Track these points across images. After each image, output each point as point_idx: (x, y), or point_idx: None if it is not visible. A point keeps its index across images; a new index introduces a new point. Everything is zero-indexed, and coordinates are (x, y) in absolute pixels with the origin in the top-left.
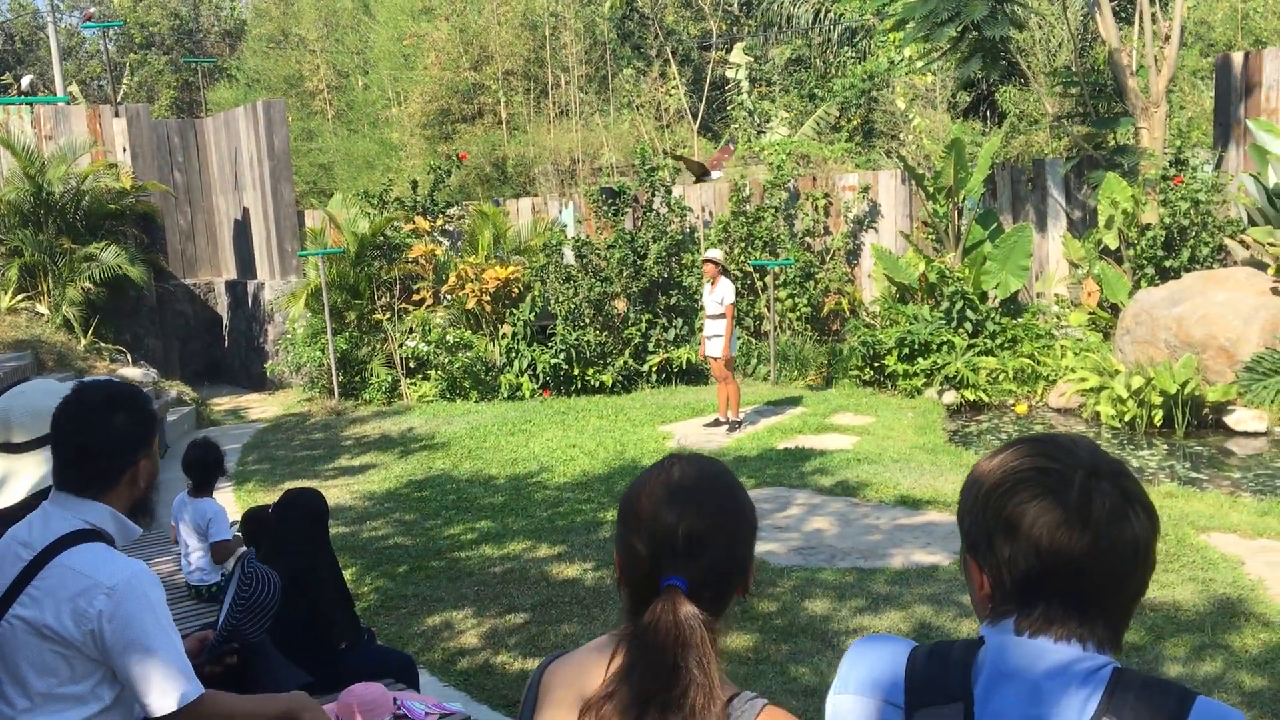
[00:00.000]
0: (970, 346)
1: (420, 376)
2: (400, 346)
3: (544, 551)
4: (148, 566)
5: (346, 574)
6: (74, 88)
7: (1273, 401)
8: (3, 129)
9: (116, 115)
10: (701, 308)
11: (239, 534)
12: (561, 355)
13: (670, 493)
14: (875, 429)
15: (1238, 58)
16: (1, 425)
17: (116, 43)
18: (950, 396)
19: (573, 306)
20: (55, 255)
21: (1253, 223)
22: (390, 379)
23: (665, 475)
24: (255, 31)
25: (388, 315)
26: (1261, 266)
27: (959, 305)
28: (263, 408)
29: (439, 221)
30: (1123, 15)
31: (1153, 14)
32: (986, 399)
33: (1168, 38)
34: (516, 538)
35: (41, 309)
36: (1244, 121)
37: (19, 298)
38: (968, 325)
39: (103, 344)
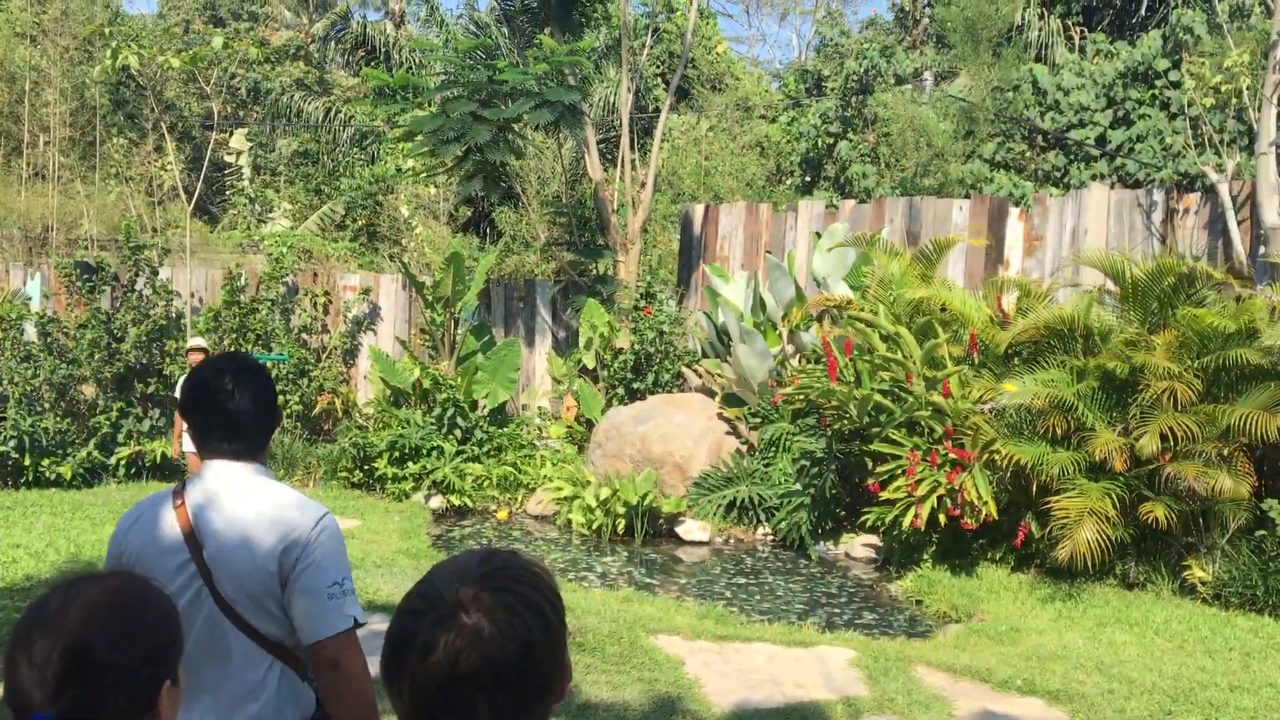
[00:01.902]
0: (459, 453)
1: None
2: None
3: None
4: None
5: None
6: None
7: (715, 514)
8: None
9: None
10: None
11: None
12: (12, 443)
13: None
14: (361, 532)
15: (699, 209)
16: None
17: None
18: (437, 501)
19: (31, 389)
20: None
21: (705, 354)
22: None
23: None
24: None
25: None
26: (711, 393)
27: (451, 412)
28: None
29: None
30: (608, 157)
31: (633, 160)
32: (471, 504)
33: (644, 184)
34: None
35: None
36: (701, 265)
37: None
38: (458, 432)
39: None
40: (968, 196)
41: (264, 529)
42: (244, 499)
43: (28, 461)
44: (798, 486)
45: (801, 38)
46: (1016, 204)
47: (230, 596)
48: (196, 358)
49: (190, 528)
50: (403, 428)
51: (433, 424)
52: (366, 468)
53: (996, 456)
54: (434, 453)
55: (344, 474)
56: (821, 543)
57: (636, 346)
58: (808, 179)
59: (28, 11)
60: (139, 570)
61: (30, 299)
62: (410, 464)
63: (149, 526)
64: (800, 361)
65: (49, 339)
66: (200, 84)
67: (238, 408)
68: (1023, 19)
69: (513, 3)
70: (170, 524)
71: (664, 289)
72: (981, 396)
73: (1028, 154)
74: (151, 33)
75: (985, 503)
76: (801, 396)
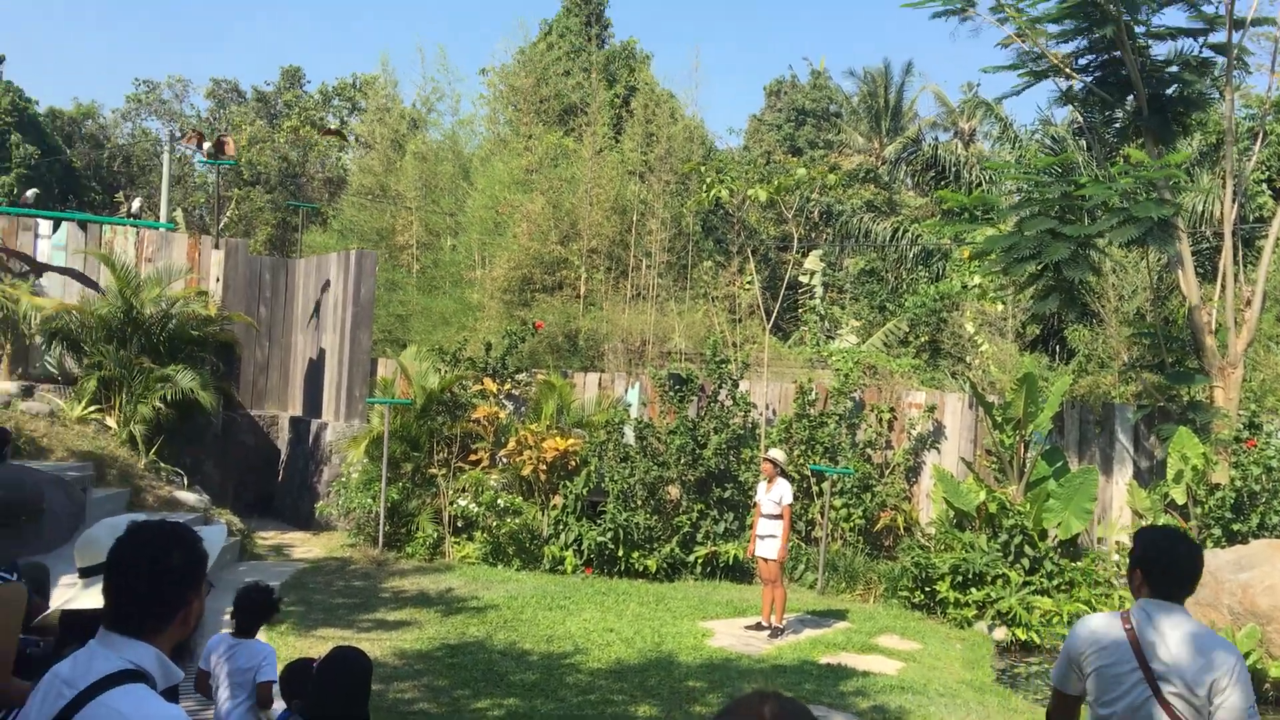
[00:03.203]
0: (1026, 584)
1: (465, 536)
2: (450, 504)
3: None
4: (185, 714)
5: None
6: (178, 214)
7: None
8: (108, 247)
9: (216, 246)
10: (755, 505)
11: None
12: (609, 534)
13: None
14: (922, 656)
15: None
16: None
17: (225, 177)
18: (1001, 633)
19: (626, 486)
20: (133, 372)
21: None
22: (436, 535)
23: (756, 714)
24: (356, 183)
25: (443, 471)
26: None
27: (1018, 540)
28: (306, 547)
29: (506, 385)
30: (1202, 273)
31: (1235, 274)
32: (1038, 640)
33: (1248, 301)
34: None
35: (110, 422)
36: None
37: (91, 409)
38: (1025, 561)
39: (162, 464)
40: None
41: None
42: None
43: (621, 552)
44: None
45: None
46: None
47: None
48: (769, 469)
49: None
50: (966, 552)
51: (998, 550)
52: (927, 589)
53: None
54: (998, 581)
55: (904, 593)
56: None
57: (1238, 483)
58: None
59: (636, 152)
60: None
61: (630, 406)
62: (973, 590)
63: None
64: None
65: (644, 442)
66: (780, 209)
67: None
68: None
69: (1095, 114)
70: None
71: (1271, 419)
72: None
73: None
74: (739, 165)
75: None
76: None
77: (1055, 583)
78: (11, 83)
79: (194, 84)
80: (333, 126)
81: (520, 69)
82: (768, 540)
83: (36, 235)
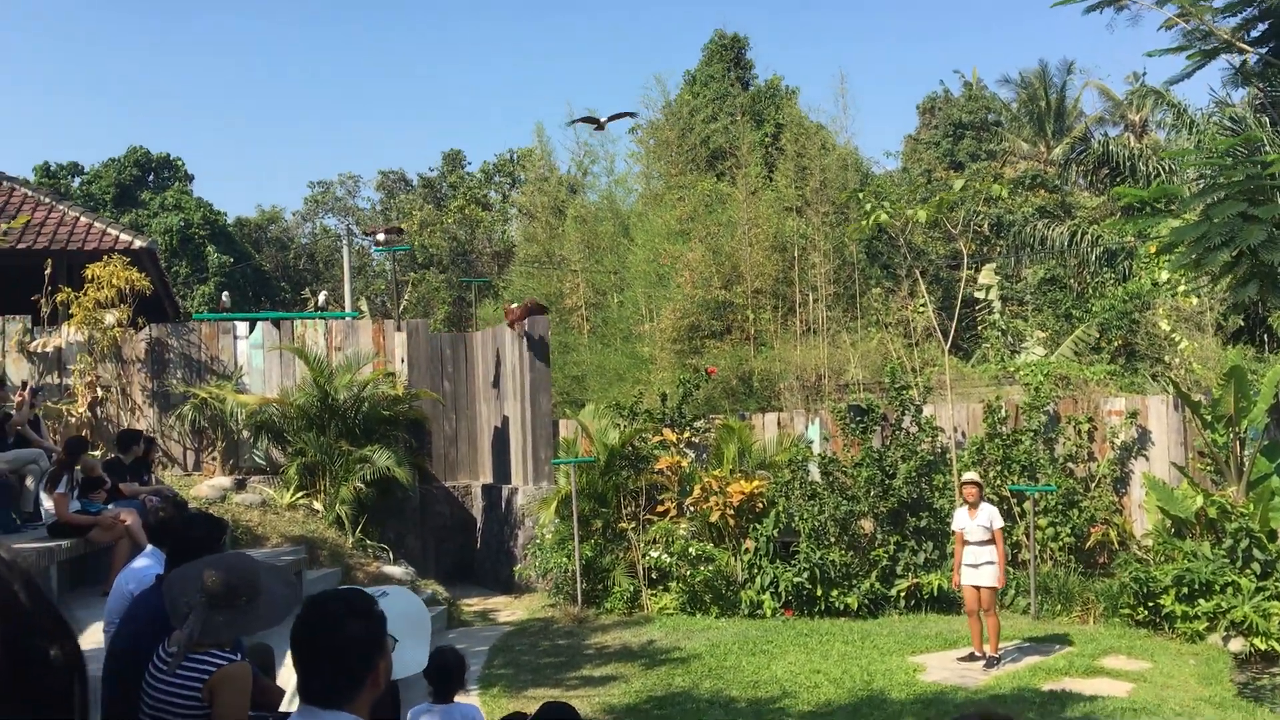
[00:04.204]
0: (1259, 590)
1: (661, 587)
2: (643, 556)
3: None
4: None
5: None
6: (362, 303)
7: None
8: (300, 340)
9: (398, 329)
10: (956, 534)
11: None
12: (805, 574)
13: None
14: (1153, 675)
15: None
16: None
17: (401, 263)
18: (1237, 644)
19: (817, 524)
20: (334, 456)
21: None
22: (632, 588)
23: None
24: (523, 253)
25: (632, 524)
26: None
27: (1244, 544)
28: (510, 610)
29: (686, 434)
30: None
31: None
32: None
33: None
34: None
35: (317, 505)
36: None
37: (299, 495)
38: (1255, 566)
39: (368, 541)
40: None
41: None
42: None
43: (819, 591)
44: None
45: None
46: None
47: None
48: (973, 493)
49: None
50: (1189, 561)
51: (1224, 557)
52: (1151, 605)
53: None
54: (1228, 589)
55: (1125, 611)
56: None
57: None
58: None
59: (790, 188)
60: None
61: (812, 442)
62: (1201, 601)
63: None
64: None
65: (830, 478)
66: (945, 227)
67: None
68: None
69: (1278, 87)
70: None
71: None
72: None
73: None
74: (898, 187)
75: None
76: None
77: None
78: (201, 199)
79: (364, 178)
80: (398, 225)
81: (666, 123)
82: (984, 568)
83: (235, 337)
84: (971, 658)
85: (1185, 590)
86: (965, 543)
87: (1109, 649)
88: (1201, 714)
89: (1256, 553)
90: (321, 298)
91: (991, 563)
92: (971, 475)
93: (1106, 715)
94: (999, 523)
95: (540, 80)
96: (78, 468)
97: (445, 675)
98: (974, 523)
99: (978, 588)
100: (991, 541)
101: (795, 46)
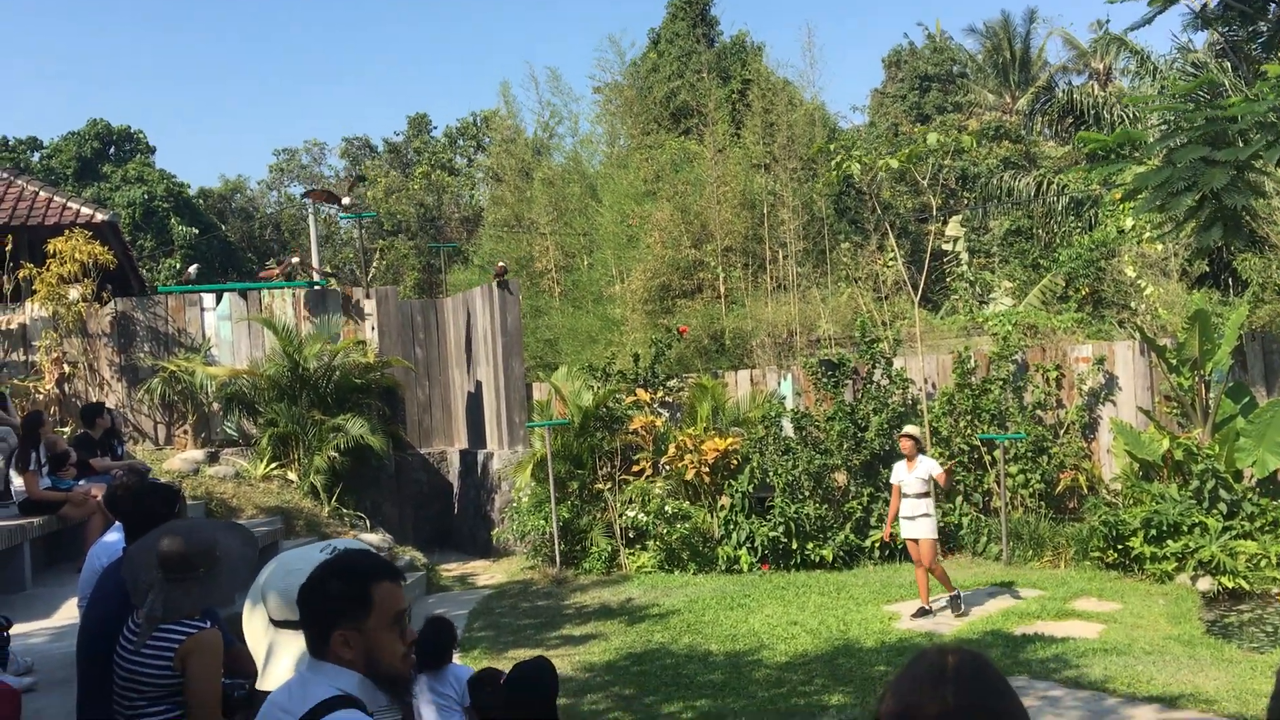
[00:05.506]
0: (1226, 529)
1: (639, 546)
2: (620, 516)
3: None
4: None
5: None
6: (329, 270)
7: None
8: (268, 310)
9: (367, 296)
10: (893, 486)
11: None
12: (780, 528)
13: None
14: (1122, 616)
15: None
16: (274, 602)
17: (368, 230)
18: (1205, 583)
19: (791, 479)
20: (306, 426)
21: None
22: (610, 548)
23: (939, 666)
24: (492, 218)
25: (608, 485)
26: None
27: (1211, 484)
28: (489, 574)
29: (659, 394)
30: None
31: None
32: (1247, 587)
33: None
34: None
35: (291, 476)
36: None
37: (272, 466)
38: (1221, 506)
39: (345, 510)
40: None
41: None
42: None
43: (794, 545)
44: None
45: None
46: None
47: None
48: (909, 446)
49: None
50: (1156, 503)
51: (1191, 498)
52: (1120, 547)
53: None
54: (1196, 530)
55: (1095, 554)
56: None
57: None
58: None
59: (758, 145)
60: None
61: (785, 398)
62: (1169, 542)
63: None
64: None
65: (803, 433)
66: (913, 180)
67: None
68: None
69: (1237, 30)
70: None
71: None
72: None
73: None
74: (865, 141)
75: None
76: None
77: (1258, 524)
78: (164, 170)
79: (329, 145)
80: (359, 175)
81: (629, 81)
82: (920, 520)
83: (203, 309)
84: (921, 612)
85: (1154, 532)
86: (903, 495)
87: (1080, 592)
88: (1170, 652)
89: (1223, 493)
90: (295, 259)
91: (928, 515)
92: (910, 429)
93: (1078, 656)
94: (939, 470)
95: (502, 39)
96: (41, 444)
97: (438, 646)
98: (912, 475)
99: (916, 540)
100: (928, 494)
101: (760, 1)
